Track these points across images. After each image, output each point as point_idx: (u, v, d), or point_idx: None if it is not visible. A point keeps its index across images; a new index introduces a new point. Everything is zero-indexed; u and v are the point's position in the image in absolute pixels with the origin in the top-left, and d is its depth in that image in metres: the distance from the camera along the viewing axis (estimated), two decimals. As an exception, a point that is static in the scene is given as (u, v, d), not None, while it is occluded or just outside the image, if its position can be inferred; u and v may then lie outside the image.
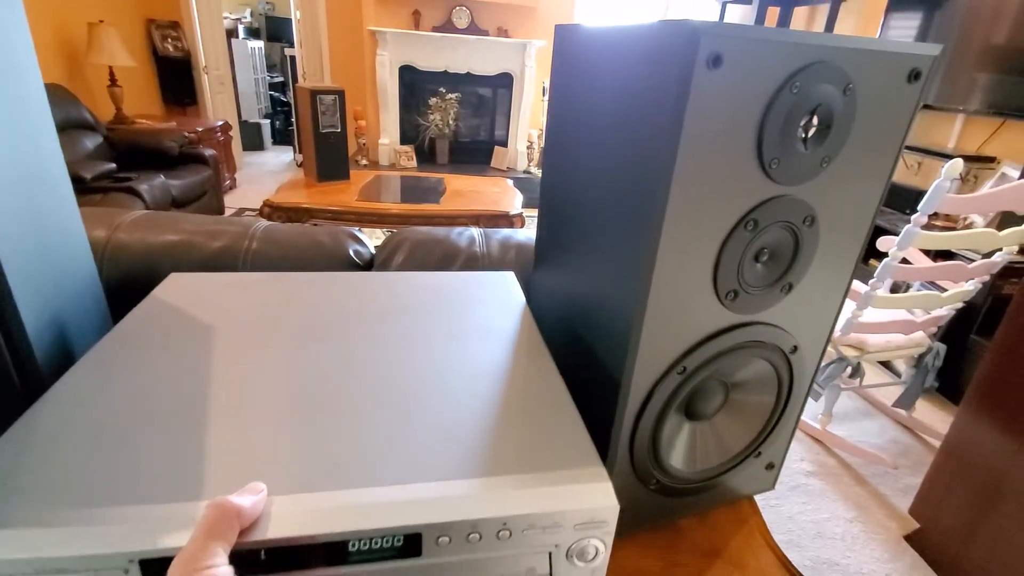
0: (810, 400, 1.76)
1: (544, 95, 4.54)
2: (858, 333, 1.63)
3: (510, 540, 0.30)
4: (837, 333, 1.67)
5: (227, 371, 0.40)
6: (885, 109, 0.39)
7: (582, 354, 0.47)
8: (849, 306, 1.59)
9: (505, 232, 0.86)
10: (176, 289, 0.53)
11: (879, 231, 2.62)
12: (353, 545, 0.28)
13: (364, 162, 4.66)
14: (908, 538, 1.37)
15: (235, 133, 4.49)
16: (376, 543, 0.28)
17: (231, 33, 5.45)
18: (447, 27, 4.45)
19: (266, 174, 4.74)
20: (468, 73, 4.62)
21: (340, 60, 4.62)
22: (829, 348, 1.74)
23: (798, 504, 1.47)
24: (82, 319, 0.49)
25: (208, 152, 3.33)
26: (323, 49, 4.62)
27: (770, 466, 0.56)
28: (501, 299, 0.56)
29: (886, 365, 2.18)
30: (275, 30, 6.40)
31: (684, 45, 0.32)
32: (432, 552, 0.29)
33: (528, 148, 4.72)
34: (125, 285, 0.74)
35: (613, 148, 0.41)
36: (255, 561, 0.27)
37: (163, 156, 3.08)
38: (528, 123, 4.74)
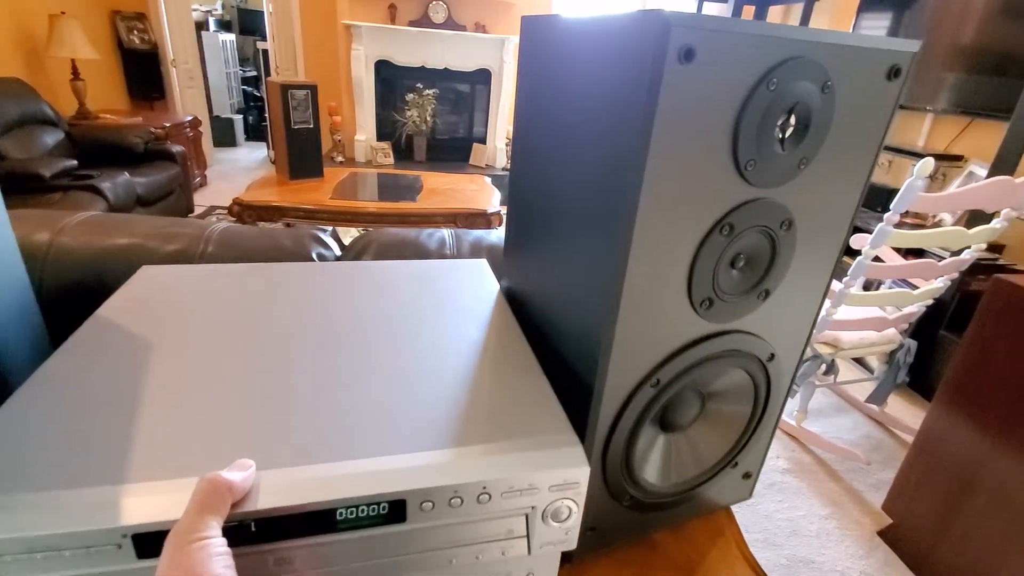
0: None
1: (522, 92, 4.52)
2: (832, 331, 1.64)
3: (490, 503, 0.31)
4: (812, 330, 1.68)
5: (208, 355, 0.39)
6: (864, 107, 0.38)
7: (553, 363, 0.44)
8: (823, 304, 1.60)
9: (477, 233, 0.83)
10: (149, 281, 0.51)
11: (852, 229, 2.66)
12: (340, 513, 0.29)
13: (340, 159, 4.58)
14: (881, 533, 1.38)
15: (205, 129, 4.37)
16: (363, 511, 0.29)
17: (201, 25, 5.29)
18: (424, 22, 4.39)
19: (238, 171, 4.62)
20: (446, 69, 4.57)
21: (314, 54, 4.52)
22: (805, 345, 1.76)
23: (774, 502, 1.48)
24: (11, 331, 0.45)
25: (176, 148, 3.22)
26: (296, 43, 4.51)
27: (747, 475, 0.54)
28: (475, 284, 0.56)
29: (859, 361, 2.21)
30: (247, 23, 6.24)
31: (655, 37, 0.30)
32: (416, 517, 0.30)
33: (507, 145, 4.69)
34: (69, 292, 0.69)
35: (582, 147, 0.39)
36: (246, 532, 0.27)
37: (128, 153, 2.97)
38: (507, 120, 4.71)
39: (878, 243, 1.44)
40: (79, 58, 3.24)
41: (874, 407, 1.85)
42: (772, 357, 0.46)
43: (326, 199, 2.38)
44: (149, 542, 0.26)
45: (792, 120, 0.36)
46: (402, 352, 0.42)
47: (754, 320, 0.43)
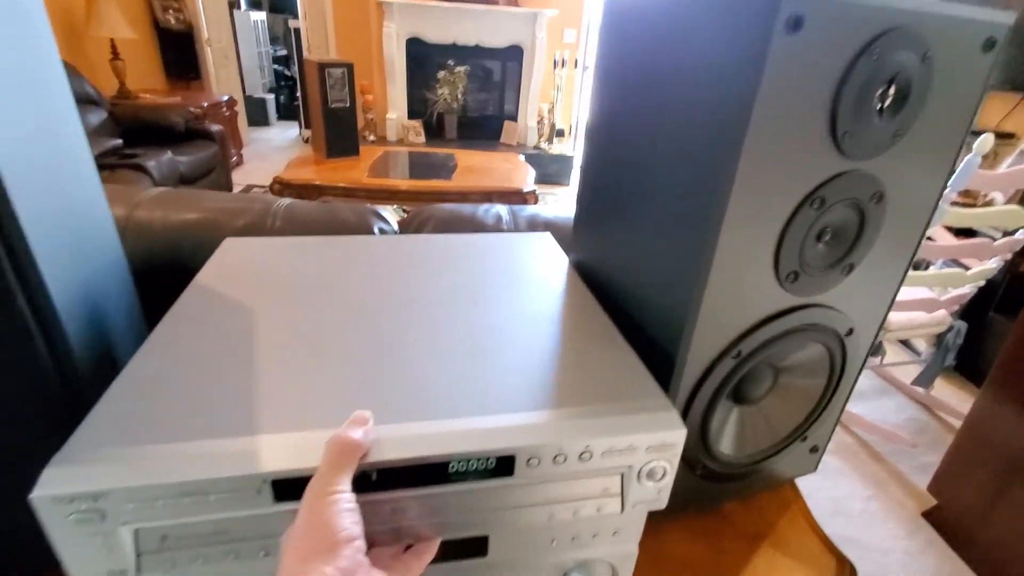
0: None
1: (556, 67, 4.44)
2: (879, 311, 1.60)
3: (590, 462, 0.32)
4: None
5: (308, 320, 0.42)
6: (959, 80, 0.37)
7: (631, 334, 0.45)
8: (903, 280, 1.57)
9: (531, 210, 0.84)
10: (234, 252, 0.54)
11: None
12: (453, 466, 0.30)
13: (372, 137, 4.60)
14: (926, 515, 1.37)
15: (240, 108, 4.43)
16: (473, 464, 0.30)
17: (232, 4, 5.32)
18: (455, -3, 4.33)
19: (273, 150, 4.69)
20: (477, 46, 4.51)
21: (345, 32, 4.51)
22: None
23: (815, 482, 1.47)
24: (111, 297, 0.48)
25: (215, 128, 3.28)
26: (327, 21, 4.51)
27: (814, 449, 0.55)
28: (544, 257, 0.57)
29: (905, 343, 2.16)
30: (278, 1, 6.25)
31: (763, 6, 0.30)
32: (522, 473, 0.32)
33: (538, 123, 4.64)
34: (148, 264, 0.72)
35: (675, 119, 0.39)
36: (368, 481, 0.29)
37: (169, 132, 3.04)
38: (538, 97, 4.65)
39: (935, 222, 1.39)
40: (117, 37, 3.31)
41: (920, 390, 1.81)
42: (850, 332, 0.46)
43: (363, 177, 2.41)
44: (285, 487, 0.28)
45: (891, 91, 0.35)
46: (485, 320, 0.43)
47: (836, 294, 0.43)
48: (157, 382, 0.33)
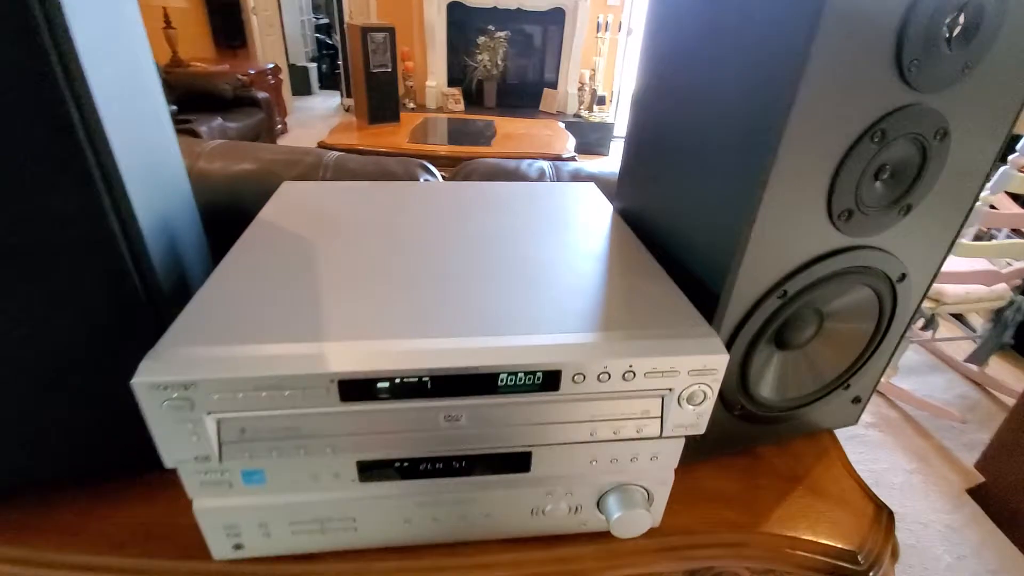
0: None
1: (599, 31, 4.31)
2: (936, 283, 1.53)
3: (633, 382, 0.34)
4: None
5: (367, 249, 0.45)
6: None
7: (675, 274, 0.45)
8: (963, 228, 1.50)
9: (574, 165, 0.84)
10: (292, 194, 0.56)
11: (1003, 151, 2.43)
12: (502, 379, 0.32)
13: (411, 105, 4.61)
14: (971, 491, 1.33)
15: (284, 76, 4.50)
16: (521, 378, 0.32)
17: (277, -28, 5.35)
18: (497, -41, 4.23)
19: (315, 118, 4.77)
20: (519, 9, 4.42)
21: (387, -2, 4.49)
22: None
23: (855, 453, 1.45)
24: (184, 231, 0.52)
25: (261, 95, 3.36)
26: (369, -14, 4.50)
27: (856, 400, 0.54)
28: (589, 204, 0.58)
29: (958, 318, 2.06)
30: (320, -32, 6.25)
31: (829, -77, 0.29)
32: (567, 388, 0.33)
33: (579, 90, 4.54)
34: (210, 211, 0.77)
35: (732, 55, 0.38)
36: (423, 388, 0.32)
37: (218, 99, 3.13)
38: (580, 63, 4.54)
39: (999, 188, 1.32)
40: (170, 6, 3.39)
41: (973, 367, 1.74)
42: (903, 278, 0.45)
43: (404, 143, 2.43)
44: (349, 388, 0.31)
45: (962, 19, 0.34)
46: (533, 254, 0.45)
47: (890, 237, 0.42)
48: (231, 297, 0.36)
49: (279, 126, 4.12)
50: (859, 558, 0.44)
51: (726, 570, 0.45)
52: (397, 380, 0.31)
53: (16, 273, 0.34)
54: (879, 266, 0.44)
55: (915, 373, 1.78)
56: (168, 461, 0.32)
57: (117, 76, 0.38)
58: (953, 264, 1.55)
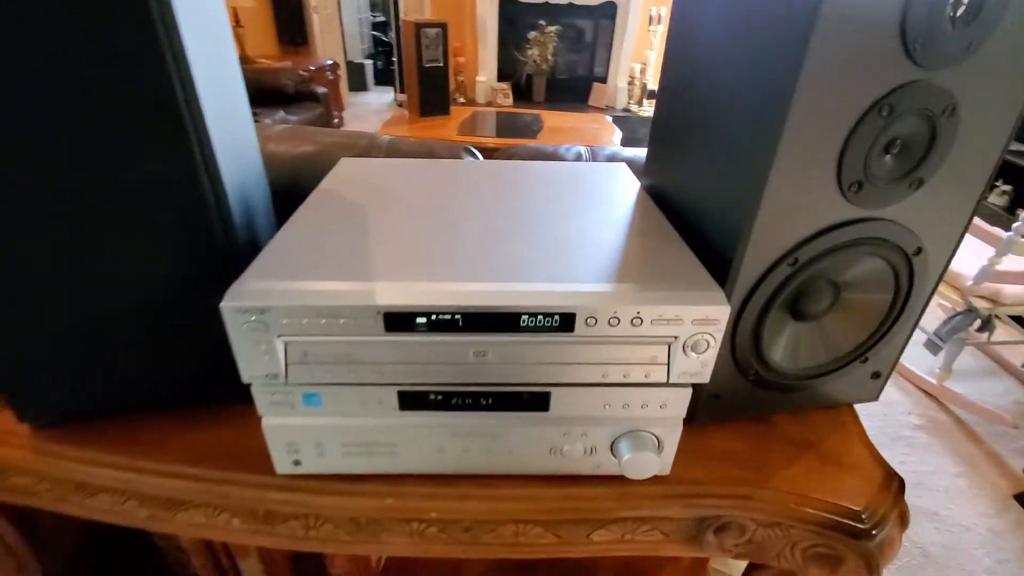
0: (926, 354, 1.64)
1: (651, 24, 4.27)
2: (994, 283, 1.47)
3: (641, 327, 0.38)
4: (969, 282, 1.52)
5: (415, 211, 0.51)
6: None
7: (693, 243, 0.49)
8: (986, 253, 1.44)
9: (611, 149, 0.87)
10: (349, 169, 0.63)
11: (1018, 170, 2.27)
12: (524, 320, 0.37)
13: (461, 100, 4.70)
14: (1019, 496, 1.28)
15: (342, 72, 4.69)
16: (540, 319, 0.37)
17: (338, -29, 5.57)
18: (549, -46, 4.26)
19: (369, 113, 4.94)
20: (570, 4, 4.43)
21: (440, -5, 4.60)
22: (957, 297, 1.60)
23: (899, 454, 1.41)
24: (256, 197, 0.59)
25: (320, 90, 3.52)
26: (424, -16, 4.61)
27: (876, 375, 0.56)
28: (618, 181, 0.62)
29: (1019, 321, 1.95)
30: (378, -33, 6.45)
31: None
32: (581, 330, 0.38)
33: (629, 84, 4.51)
34: (275, 187, 0.85)
35: (744, 31, 0.41)
36: (455, 324, 0.37)
37: (280, 93, 3.31)
38: (631, 56, 4.50)
39: (1003, 252, 1.26)
40: (240, 6, 3.61)
41: (1034, 373, 1.65)
42: (919, 251, 0.47)
43: (453, 135, 2.51)
44: (393, 320, 0.36)
45: (964, 1, 0.36)
46: (561, 218, 0.50)
47: (903, 210, 0.44)
48: (298, 245, 0.43)
49: (335, 120, 4.30)
50: (863, 516, 0.46)
51: (734, 520, 0.48)
52: (433, 316, 0.36)
53: (128, 224, 0.41)
54: (893, 238, 0.45)
55: (970, 376, 1.70)
56: (245, 376, 0.38)
57: (209, 61, 0.44)
58: (1012, 264, 1.48)
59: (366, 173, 0.60)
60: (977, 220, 1.46)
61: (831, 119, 0.38)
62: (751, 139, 0.41)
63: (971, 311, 1.52)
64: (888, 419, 1.56)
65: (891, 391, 1.68)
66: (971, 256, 1.54)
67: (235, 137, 0.51)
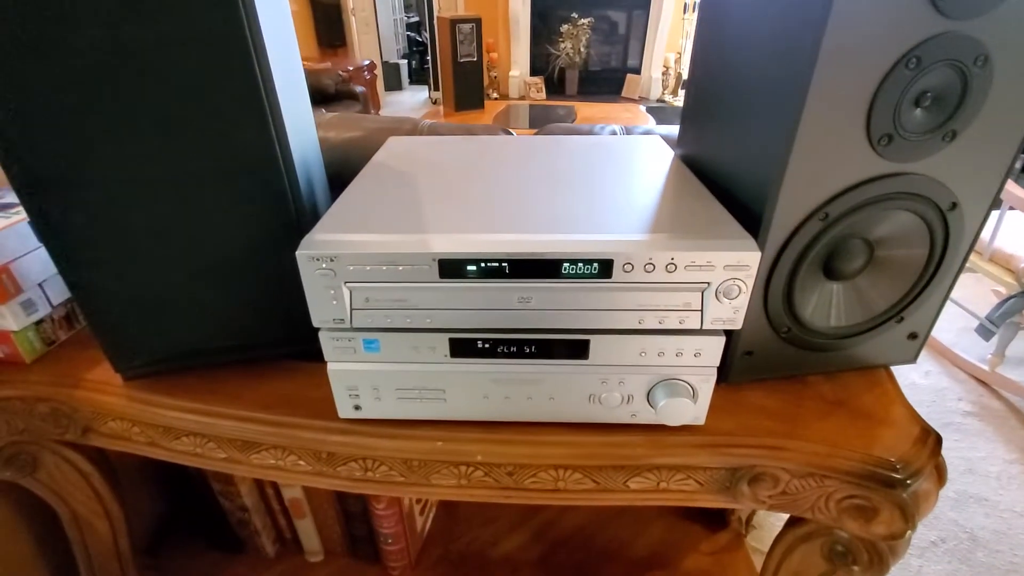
0: (977, 340, 1.58)
1: (685, 12, 4.21)
2: (1051, 263, 1.41)
3: (675, 274, 0.40)
4: (1023, 264, 1.46)
5: (463, 175, 0.55)
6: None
7: (725, 204, 0.50)
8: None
9: (644, 127, 0.89)
10: (398, 145, 0.68)
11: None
12: (565, 267, 0.40)
13: (495, 95, 4.75)
14: (1083, 487, 1.23)
15: (379, 72, 4.80)
16: (580, 267, 0.40)
17: (373, -26, 5.70)
18: (582, -54, 4.25)
19: (405, 111, 5.04)
20: (602, -5, 4.41)
21: (474, -8, 4.65)
22: (1011, 280, 1.54)
23: (949, 440, 1.38)
24: (315, 174, 0.64)
25: (359, 89, 3.62)
26: (458, -18, 4.68)
27: (913, 336, 0.56)
28: (653, 151, 0.65)
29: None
30: (412, -32, 6.55)
31: None
32: (619, 276, 0.40)
33: (663, 74, 4.46)
34: (327, 170, 0.90)
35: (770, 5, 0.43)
36: (501, 271, 0.40)
37: (322, 93, 3.42)
38: (665, 47, 4.45)
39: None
40: (283, 11, 3.74)
41: (1099, 360, 1.57)
42: (954, 206, 0.47)
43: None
44: (447, 266, 0.40)
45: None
46: (600, 180, 0.53)
47: (936, 164, 0.45)
48: (360, 204, 0.48)
49: (373, 118, 4.41)
50: (897, 466, 0.47)
51: (766, 471, 0.50)
52: (482, 263, 0.40)
53: (224, 189, 0.46)
54: (926, 193, 0.46)
55: (1026, 362, 1.63)
56: (316, 321, 0.42)
57: (280, 50, 0.49)
58: (1074, 241, 1.41)
59: (414, 148, 0.64)
60: (1032, 198, 1.40)
61: (858, 73, 0.39)
62: (780, 97, 0.42)
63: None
64: (937, 405, 1.52)
65: (940, 377, 1.63)
66: (1026, 237, 1.48)
67: (299, 116, 0.56)
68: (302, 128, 0.57)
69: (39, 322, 0.59)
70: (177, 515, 0.99)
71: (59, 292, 0.61)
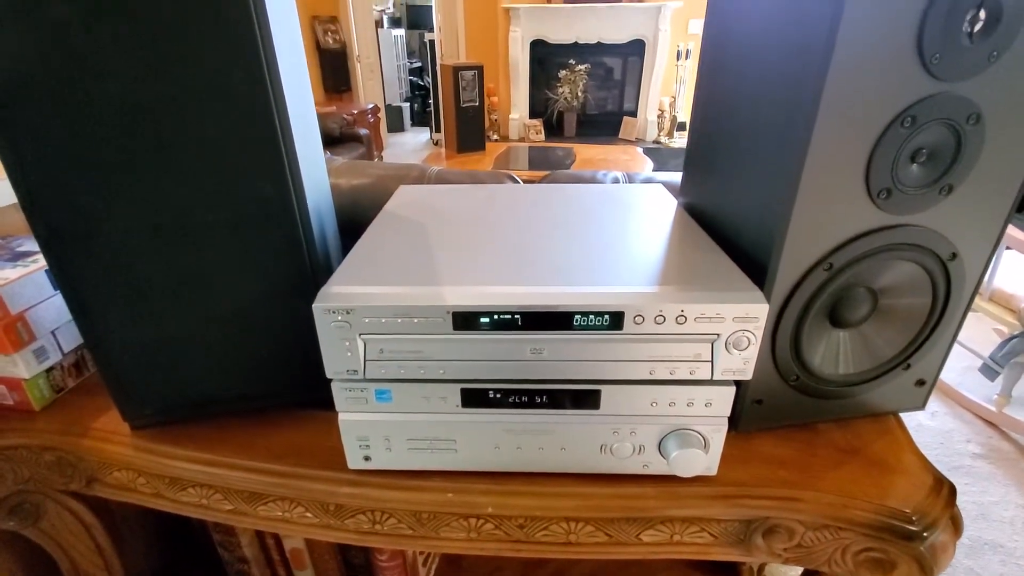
0: (983, 380, 1.58)
1: (679, 59, 4.37)
2: (1051, 303, 1.42)
3: (685, 325, 0.41)
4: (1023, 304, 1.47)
5: (471, 227, 0.56)
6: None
7: (730, 254, 0.52)
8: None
9: (646, 175, 0.91)
10: (408, 194, 0.70)
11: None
12: (577, 319, 0.41)
13: (495, 137, 4.87)
14: (1102, 532, 1.20)
15: (382, 115, 4.93)
16: (591, 319, 0.41)
17: (378, 23, 5.93)
18: (579, -3, 4.45)
19: (407, 152, 5.15)
20: (598, 43, 4.59)
21: (475, 40, 4.84)
22: (1012, 319, 1.54)
23: (960, 485, 1.35)
24: (327, 224, 0.65)
25: (363, 132, 3.72)
26: (459, 31, 4.86)
27: (920, 383, 0.56)
28: (656, 200, 0.67)
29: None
30: (415, 18, 6.84)
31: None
32: (630, 328, 0.41)
33: (659, 117, 4.59)
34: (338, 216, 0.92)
35: (769, 55, 0.45)
36: (514, 323, 0.41)
37: (327, 136, 3.52)
38: (660, 91, 4.60)
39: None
40: (291, 59, 3.87)
41: (1106, 399, 1.56)
42: (954, 256, 0.49)
43: (489, 169, 2.61)
44: (460, 319, 0.41)
45: (981, 15, 0.39)
46: (605, 231, 0.54)
47: (935, 216, 0.46)
48: (373, 257, 0.49)
49: (376, 159, 4.51)
50: (913, 518, 0.47)
51: (781, 523, 0.49)
52: (495, 315, 0.40)
53: (234, 238, 0.47)
54: (926, 244, 0.47)
55: (1033, 403, 1.62)
56: (329, 372, 0.43)
57: (297, 103, 0.51)
58: (1071, 281, 1.42)
59: (424, 197, 0.66)
60: (1028, 239, 1.42)
61: (855, 132, 0.41)
62: (781, 154, 0.44)
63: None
64: (945, 447, 1.50)
65: (947, 419, 1.61)
66: (1024, 276, 1.49)
67: (313, 166, 0.58)
68: (316, 177, 0.59)
69: (49, 369, 0.59)
70: (175, 564, 0.96)
71: (70, 339, 0.61)
